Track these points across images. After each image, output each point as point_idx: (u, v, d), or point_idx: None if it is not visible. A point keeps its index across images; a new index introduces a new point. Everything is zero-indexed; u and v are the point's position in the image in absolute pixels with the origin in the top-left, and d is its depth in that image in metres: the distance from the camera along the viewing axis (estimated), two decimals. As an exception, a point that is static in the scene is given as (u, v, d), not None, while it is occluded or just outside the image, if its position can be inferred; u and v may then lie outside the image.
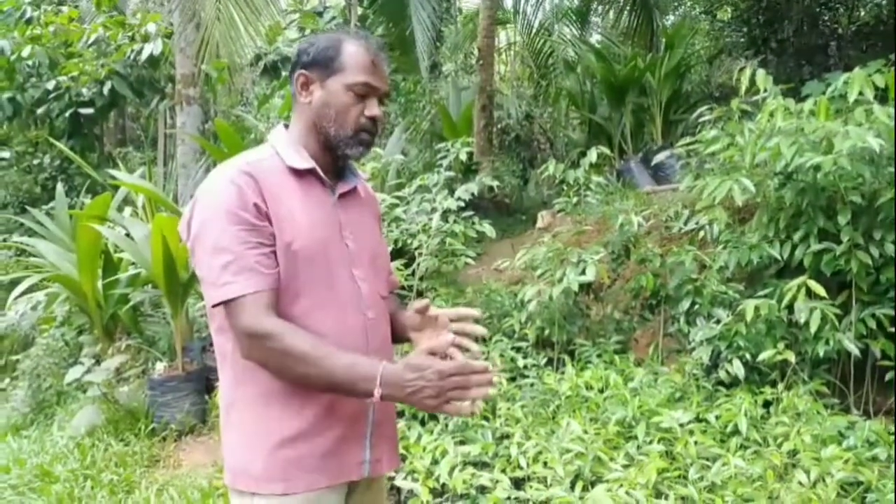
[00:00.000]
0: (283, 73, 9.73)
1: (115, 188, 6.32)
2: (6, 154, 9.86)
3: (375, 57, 1.57)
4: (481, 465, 2.96)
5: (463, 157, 5.09)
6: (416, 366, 1.33)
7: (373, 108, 1.55)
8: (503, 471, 2.87)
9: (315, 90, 1.56)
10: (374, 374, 1.33)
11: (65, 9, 9.72)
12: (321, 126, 1.56)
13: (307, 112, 1.57)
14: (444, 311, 1.65)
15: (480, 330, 1.63)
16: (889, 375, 3.23)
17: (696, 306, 3.68)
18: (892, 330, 3.18)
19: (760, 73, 3.75)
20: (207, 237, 1.44)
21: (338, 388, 1.39)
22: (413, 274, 4.41)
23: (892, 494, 2.45)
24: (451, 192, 4.68)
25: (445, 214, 4.55)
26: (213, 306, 1.44)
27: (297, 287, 1.46)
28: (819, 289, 3.13)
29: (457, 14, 11.03)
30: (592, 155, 4.38)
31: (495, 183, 5.50)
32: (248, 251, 1.41)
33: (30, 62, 8.88)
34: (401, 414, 3.43)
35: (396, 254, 4.54)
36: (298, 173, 1.54)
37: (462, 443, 3.10)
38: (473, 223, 4.57)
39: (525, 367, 3.80)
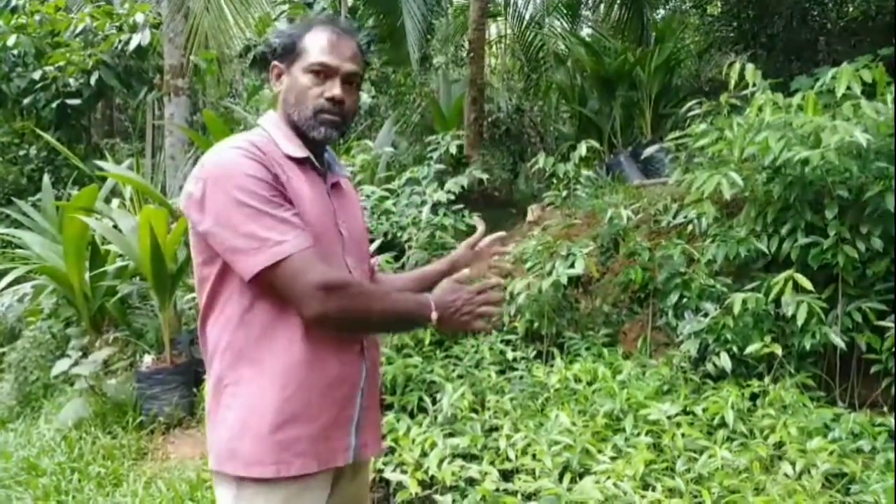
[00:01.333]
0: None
1: (103, 179, 6.28)
2: (-8, 145, 9.76)
3: (336, 38, 1.55)
4: (470, 457, 2.97)
5: (453, 149, 5.08)
6: (454, 289, 1.57)
7: (332, 89, 1.53)
8: (492, 463, 2.88)
9: (284, 79, 1.58)
10: (428, 301, 1.53)
11: (51, -2, 9.61)
12: (288, 113, 1.57)
13: (281, 102, 1.59)
14: (481, 242, 1.93)
15: (505, 249, 1.96)
16: (874, 368, 3.26)
17: (685, 300, 3.70)
18: (878, 323, 3.21)
19: (749, 67, 3.76)
20: (238, 206, 1.40)
21: (403, 318, 1.56)
22: (403, 267, 4.41)
23: (876, 486, 2.47)
24: (441, 184, 4.67)
25: (435, 207, 4.55)
26: (258, 273, 1.39)
27: None
28: (806, 282, 3.15)
29: (447, 6, 10.98)
30: (582, 148, 4.38)
31: (485, 176, 5.49)
32: (286, 212, 1.43)
33: (15, 52, 8.78)
34: (389, 407, 3.44)
35: (386, 246, 4.53)
36: (296, 160, 1.55)
37: (451, 435, 3.10)
38: (463, 216, 4.57)
39: (514, 359, 3.81)
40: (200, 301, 1.55)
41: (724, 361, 3.30)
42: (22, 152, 9.54)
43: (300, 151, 1.55)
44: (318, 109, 1.53)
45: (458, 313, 1.52)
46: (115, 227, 5.14)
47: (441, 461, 2.85)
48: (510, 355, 3.82)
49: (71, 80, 8.62)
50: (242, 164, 1.43)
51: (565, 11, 10.14)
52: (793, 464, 2.64)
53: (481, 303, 1.54)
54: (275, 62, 1.60)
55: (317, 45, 1.54)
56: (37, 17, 9.01)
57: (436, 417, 3.27)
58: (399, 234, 4.52)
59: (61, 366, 4.80)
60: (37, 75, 8.65)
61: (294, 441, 1.46)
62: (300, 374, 1.47)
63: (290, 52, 1.56)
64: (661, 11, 10.32)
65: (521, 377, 3.64)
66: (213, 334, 1.52)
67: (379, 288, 1.57)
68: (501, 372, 3.72)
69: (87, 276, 5.25)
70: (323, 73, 1.53)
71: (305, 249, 1.40)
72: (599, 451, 2.83)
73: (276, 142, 1.54)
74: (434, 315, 1.49)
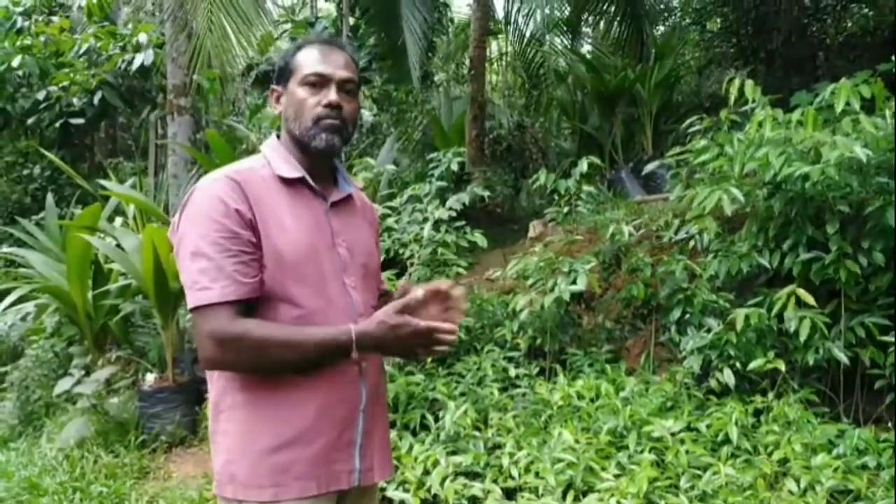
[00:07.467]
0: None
1: (106, 198, 6.29)
2: (-4, 164, 9.81)
3: (327, 49, 1.58)
4: (473, 475, 2.96)
5: (455, 166, 5.11)
6: (392, 325, 1.42)
7: (329, 96, 1.54)
8: (495, 481, 2.86)
9: (283, 99, 1.61)
10: (347, 335, 1.42)
11: (56, 19, 9.70)
12: (290, 130, 1.58)
13: (283, 121, 1.61)
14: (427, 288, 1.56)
15: (462, 305, 1.63)
16: (878, 384, 3.24)
17: (687, 315, 3.69)
18: (881, 338, 3.20)
19: (749, 83, 3.78)
20: (189, 243, 1.45)
21: (320, 354, 1.44)
22: (405, 284, 4.41)
23: (881, 502, 2.46)
24: (443, 201, 4.69)
25: (437, 224, 4.56)
26: (190, 311, 1.45)
27: (290, 295, 1.47)
28: (808, 298, 3.15)
29: (448, 24, 11.06)
30: (583, 165, 4.40)
31: (487, 193, 5.51)
32: (227, 259, 1.42)
33: (20, 72, 8.84)
34: (392, 425, 3.42)
35: (388, 263, 4.54)
36: (288, 182, 1.55)
37: (453, 453, 3.09)
38: (465, 233, 4.57)
39: (517, 376, 3.80)
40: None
41: (728, 377, 3.29)
42: (26, 171, 9.58)
43: (294, 172, 1.56)
44: (318, 117, 1.54)
45: (391, 349, 1.46)
46: (118, 245, 5.15)
47: (443, 479, 2.84)
48: (513, 372, 3.82)
49: (74, 100, 8.67)
50: (206, 205, 1.46)
51: (565, 29, 10.19)
52: (797, 480, 2.63)
53: (421, 344, 1.45)
54: (273, 87, 1.63)
55: (309, 58, 1.57)
56: (42, 38, 9.10)
57: (438, 435, 3.26)
58: (401, 252, 4.53)
59: (63, 385, 4.80)
60: (41, 95, 8.71)
61: (291, 464, 1.46)
62: (292, 399, 1.47)
63: (284, 73, 1.60)
64: (661, 28, 10.39)
65: (524, 394, 3.63)
66: None
67: (285, 331, 1.43)
68: (504, 389, 3.71)
69: (89, 294, 5.25)
70: (318, 82, 1.54)
71: (226, 304, 1.40)
72: (603, 469, 2.81)
73: (272, 165, 1.56)
74: (354, 355, 1.43)
